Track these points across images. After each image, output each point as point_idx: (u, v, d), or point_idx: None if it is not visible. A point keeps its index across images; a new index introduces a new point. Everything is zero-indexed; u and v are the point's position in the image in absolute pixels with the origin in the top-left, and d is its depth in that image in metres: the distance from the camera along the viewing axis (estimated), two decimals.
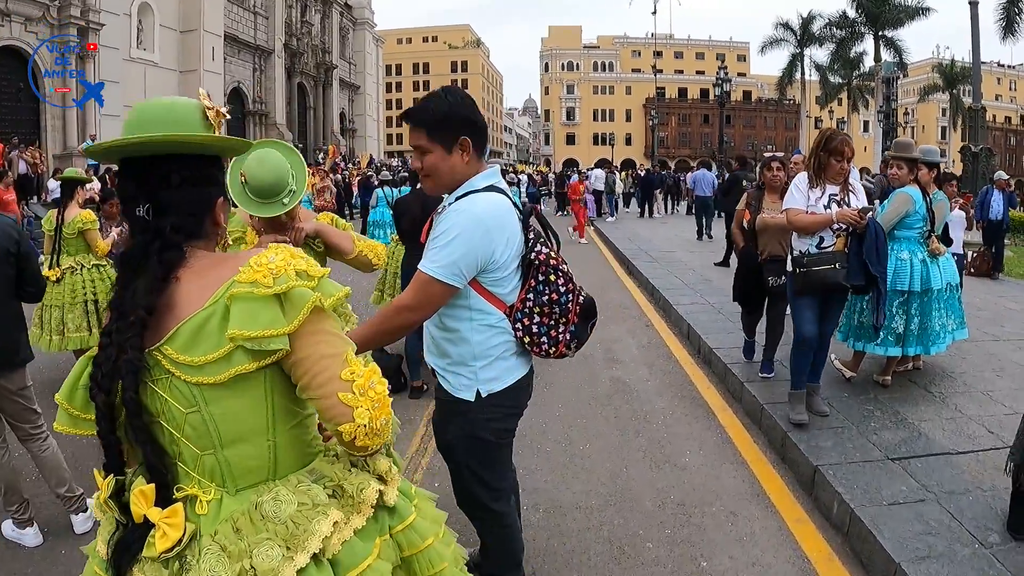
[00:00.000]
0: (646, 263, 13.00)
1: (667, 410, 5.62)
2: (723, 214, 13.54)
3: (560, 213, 29.97)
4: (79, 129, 25.08)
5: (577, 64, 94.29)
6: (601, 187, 24.54)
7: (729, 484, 4.29)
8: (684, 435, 5.08)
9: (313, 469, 1.61)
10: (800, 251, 4.62)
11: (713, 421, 5.37)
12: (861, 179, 5.60)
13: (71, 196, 6.07)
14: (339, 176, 25.54)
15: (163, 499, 1.47)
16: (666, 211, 29.40)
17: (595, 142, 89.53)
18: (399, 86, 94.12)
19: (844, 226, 4.47)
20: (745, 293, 6.10)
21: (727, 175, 17.10)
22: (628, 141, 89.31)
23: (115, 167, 1.55)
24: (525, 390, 2.60)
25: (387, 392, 1.51)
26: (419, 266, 2.29)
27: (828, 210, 4.50)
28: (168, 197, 1.50)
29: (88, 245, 6.08)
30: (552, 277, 2.40)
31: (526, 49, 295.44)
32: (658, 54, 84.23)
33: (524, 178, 32.39)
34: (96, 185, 17.94)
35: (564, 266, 2.46)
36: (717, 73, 34.20)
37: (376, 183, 17.12)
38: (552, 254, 2.45)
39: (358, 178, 25.87)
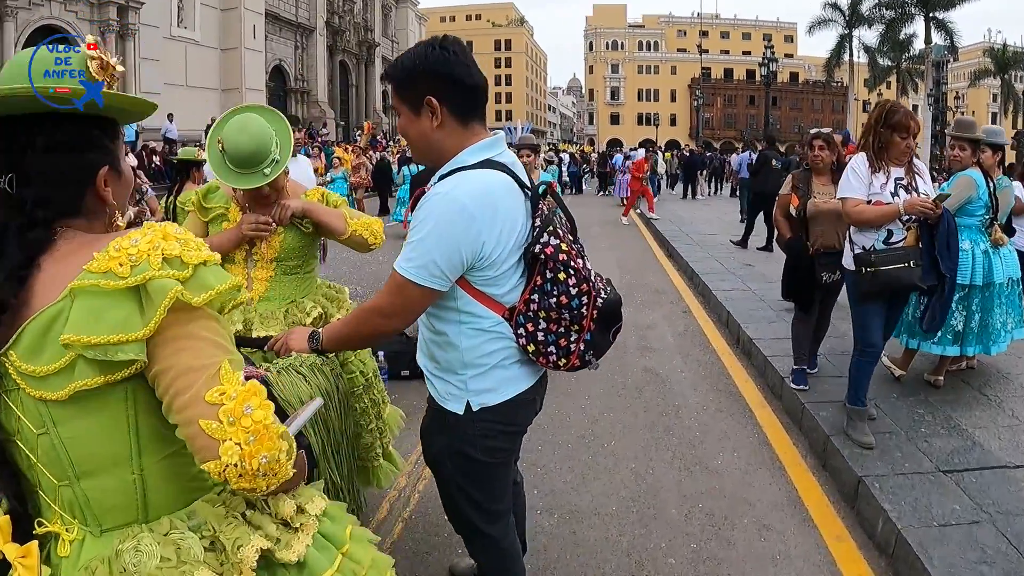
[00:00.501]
0: (686, 246, 12.57)
1: (701, 405, 5.28)
2: (753, 195, 12.98)
3: (601, 193, 29.60)
4: None
5: (622, 43, 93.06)
6: None
7: (763, 493, 3.94)
8: (718, 434, 4.74)
9: (193, 511, 1.29)
10: (864, 247, 3.99)
11: (750, 419, 5.01)
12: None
13: (187, 176, 5.86)
14: (381, 154, 25.43)
15: (24, 533, 1.21)
16: (709, 193, 28.88)
17: (639, 122, 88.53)
18: None
19: (913, 217, 3.93)
20: (797, 290, 5.22)
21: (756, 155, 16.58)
22: (673, 122, 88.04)
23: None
24: (529, 405, 2.17)
25: (272, 419, 1.18)
26: (394, 264, 1.92)
27: (896, 198, 3.92)
28: (32, 164, 1.21)
29: None
30: (561, 276, 1.94)
31: (570, 27, 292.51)
32: (704, 34, 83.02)
33: (566, 157, 31.98)
34: (133, 161, 18.01)
35: (578, 261, 1.98)
36: (763, 54, 33.61)
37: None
38: (563, 247, 1.96)
39: (398, 156, 25.73)
